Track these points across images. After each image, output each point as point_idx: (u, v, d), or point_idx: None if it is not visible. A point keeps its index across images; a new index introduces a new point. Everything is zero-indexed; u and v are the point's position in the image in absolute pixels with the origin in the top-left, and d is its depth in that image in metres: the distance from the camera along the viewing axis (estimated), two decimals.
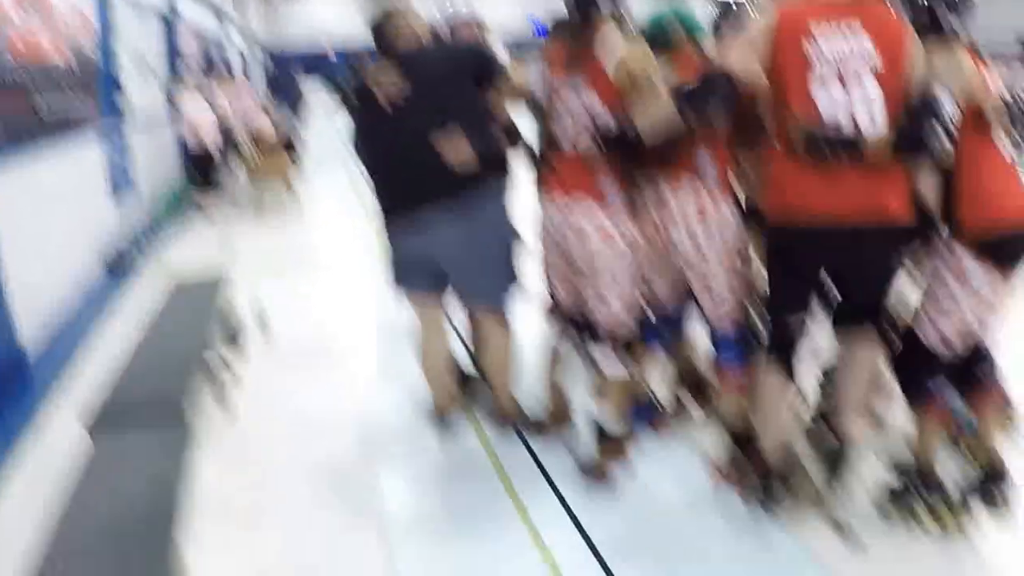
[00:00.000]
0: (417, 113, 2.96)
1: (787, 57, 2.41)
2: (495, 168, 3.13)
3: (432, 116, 2.96)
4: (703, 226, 2.74)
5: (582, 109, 2.75)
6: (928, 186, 2.46)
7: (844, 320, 2.70)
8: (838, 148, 2.35)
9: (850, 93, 2.35)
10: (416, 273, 3.18)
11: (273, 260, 6.36)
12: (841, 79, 2.36)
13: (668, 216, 2.78)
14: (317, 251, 6.60)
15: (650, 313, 3.07)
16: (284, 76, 20.78)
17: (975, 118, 2.39)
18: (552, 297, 3.18)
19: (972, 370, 2.67)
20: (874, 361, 2.76)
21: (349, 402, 3.77)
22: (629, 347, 2.95)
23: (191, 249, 6.68)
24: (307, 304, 5.23)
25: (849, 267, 2.53)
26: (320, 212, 8.00)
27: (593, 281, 2.86)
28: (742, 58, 2.45)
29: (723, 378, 2.95)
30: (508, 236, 3.18)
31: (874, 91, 2.34)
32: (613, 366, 2.93)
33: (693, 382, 3.42)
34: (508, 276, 3.20)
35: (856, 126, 2.35)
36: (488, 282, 3.17)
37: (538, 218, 3.01)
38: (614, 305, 2.87)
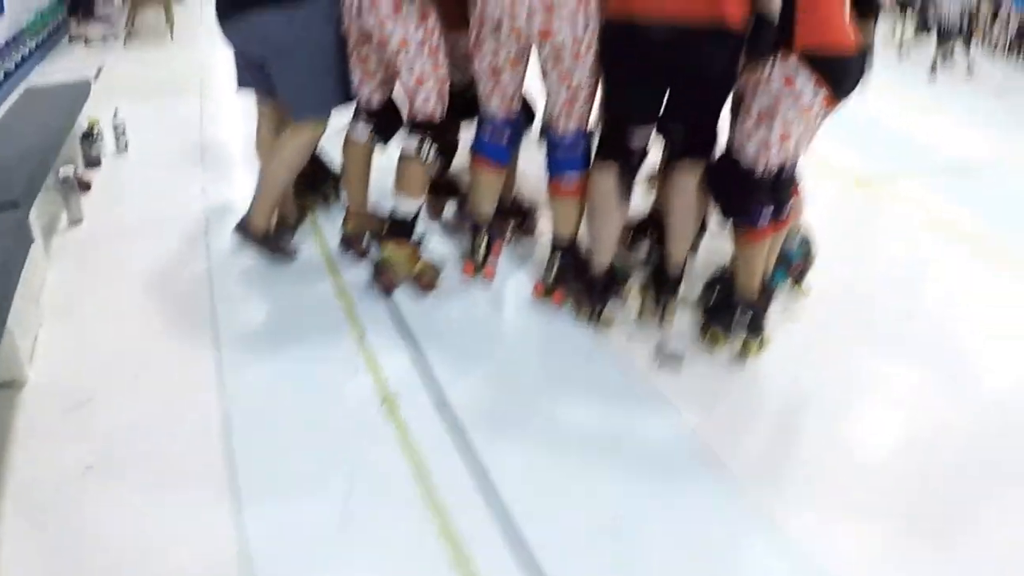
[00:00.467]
0: None
1: None
2: None
3: None
4: (584, 16, 2.68)
5: None
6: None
7: (676, 148, 2.83)
8: None
9: None
10: (247, 73, 3.21)
11: (144, 83, 6.11)
12: None
13: (553, 8, 2.67)
14: (191, 77, 6.33)
15: (493, 111, 3.02)
16: None
17: None
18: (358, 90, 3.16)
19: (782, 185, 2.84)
20: (701, 190, 2.84)
21: (199, 207, 3.84)
22: (441, 141, 3.02)
23: (61, 74, 6.31)
24: (171, 123, 5.13)
25: (684, 69, 2.62)
26: (199, 41, 7.62)
27: (402, 65, 2.88)
28: None
29: (559, 186, 3.00)
30: (322, 45, 3.01)
31: None
32: (409, 143, 2.99)
33: (517, 209, 3.54)
34: (315, 87, 3.09)
35: None
36: (293, 89, 3.10)
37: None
38: (420, 92, 2.91)
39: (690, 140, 2.81)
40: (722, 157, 2.79)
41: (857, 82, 2.60)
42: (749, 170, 2.67)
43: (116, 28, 7.65)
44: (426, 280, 3.14)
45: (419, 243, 3.19)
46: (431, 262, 3.19)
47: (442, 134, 3.03)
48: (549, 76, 2.84)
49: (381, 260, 3.12)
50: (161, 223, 3.69)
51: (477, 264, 3.24)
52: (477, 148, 3.11)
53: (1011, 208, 4.10)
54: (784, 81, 2.51)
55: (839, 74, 2.53)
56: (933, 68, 6.70)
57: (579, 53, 2.73)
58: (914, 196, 4.22)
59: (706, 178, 2.83)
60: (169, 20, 7.64)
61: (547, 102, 2.96)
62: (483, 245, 3.22)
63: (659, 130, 2.86)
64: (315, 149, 3.33)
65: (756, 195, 2.72)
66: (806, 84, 2.49)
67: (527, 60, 2.91)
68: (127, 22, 7.67)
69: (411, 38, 2.82)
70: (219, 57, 5.82)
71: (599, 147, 2.92)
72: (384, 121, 3.20)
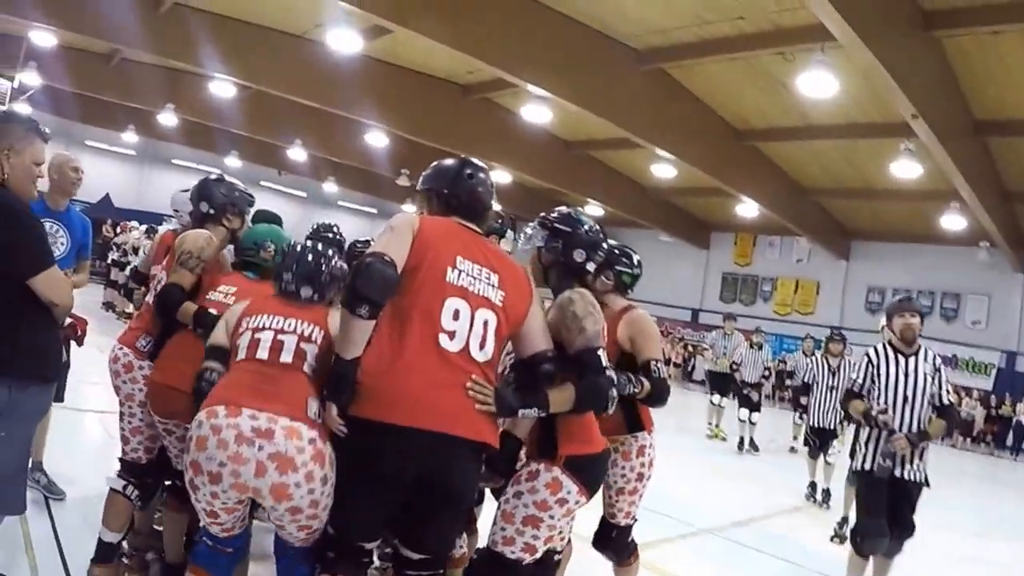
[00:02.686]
0: None
1: (428, 272, 2.52)
2: None
3: None
4: (323, 468, 2.51)
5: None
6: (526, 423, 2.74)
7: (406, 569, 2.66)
8: (452, 361, 2.49)
9: (473, 322, 2.53)
10: None
11: None
12: (471, 308, 2.54)
13: (287, 463, 2.44)
14: None
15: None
16: None
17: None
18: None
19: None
20: None
21: None
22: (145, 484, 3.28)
23: None
24: None
25: (430, 480, 2.48)
26: None
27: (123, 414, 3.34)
28: (392, 247, 2.49)
29: None
30: None
31: (492, 327, 2.57)
32: (116, 482, 3.25)
33: None
34: None
35: (468, 348, 2.52)
36: None
37: None
38: (132, 440, 3.32)
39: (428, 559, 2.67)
40: (482, 560, 2.81)
41: (605, 474, 2.98)
42: (515, 562, 2.73)
43: None
44: None
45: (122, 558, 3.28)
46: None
47: (146, 477, 3.30)
48: (286, 528, 2.59)
49: None
50: None
51: None
52: (195, 557, 2.74)
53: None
54: (550, 489, 2.71)
55: (595, 473, 2.85)
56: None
57: (316, 514, 2.52)
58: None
59: None
60: None
61: (279, 532, 2.67)
62: None
63: (395, 564, 2.70)
64: None
65: None
66: (570, 489, 2.73)
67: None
68: None
69: (136, 395, 3.28)
70: None
71: (327, 559, 2.59)
72: (146, 480, 3.33)
